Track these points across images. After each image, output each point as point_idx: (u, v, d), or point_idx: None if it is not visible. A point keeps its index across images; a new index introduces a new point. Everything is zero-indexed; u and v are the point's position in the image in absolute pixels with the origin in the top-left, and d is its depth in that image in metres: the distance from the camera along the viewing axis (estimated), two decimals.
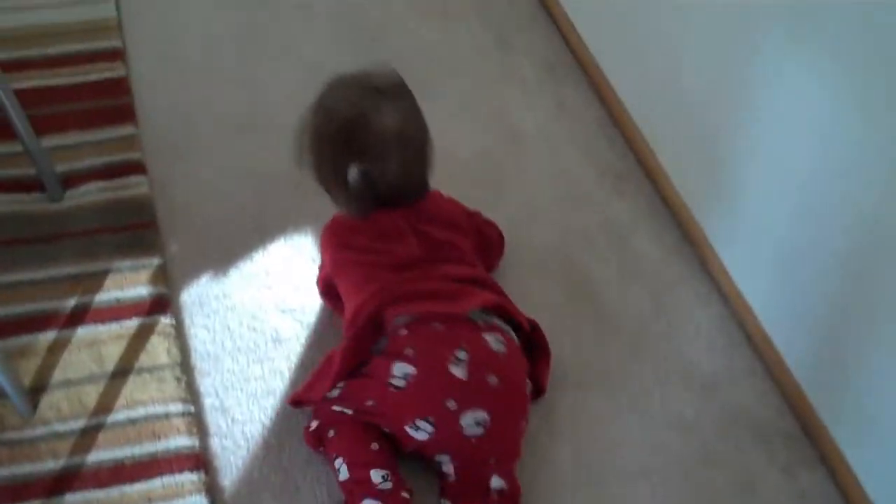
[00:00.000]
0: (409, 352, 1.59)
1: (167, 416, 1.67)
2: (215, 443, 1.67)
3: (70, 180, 2.02)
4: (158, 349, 1.76)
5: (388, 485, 1.54)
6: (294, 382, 1.75)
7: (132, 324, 1.80)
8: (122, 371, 1.73)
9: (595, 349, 1.85)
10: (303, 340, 1.82)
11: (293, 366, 1.78)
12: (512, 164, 2.16)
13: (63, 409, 1.67)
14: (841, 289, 1.61)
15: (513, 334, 1.68)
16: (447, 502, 1.59)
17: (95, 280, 1.86)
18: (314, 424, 1.63)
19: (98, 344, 1.76)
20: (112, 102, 2.18)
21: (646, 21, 2.08)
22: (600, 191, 2.13)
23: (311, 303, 1.88)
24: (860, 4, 1.44)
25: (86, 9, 2.38)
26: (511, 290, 1.80)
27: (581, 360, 1.83)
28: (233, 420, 1.69)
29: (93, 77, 2.23)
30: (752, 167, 1.79)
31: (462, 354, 1.57)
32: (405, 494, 1.55)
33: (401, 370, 1.57)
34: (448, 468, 1.61)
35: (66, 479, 1.58)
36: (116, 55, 2.28)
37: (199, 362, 1.77)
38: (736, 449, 1.72)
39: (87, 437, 1.64)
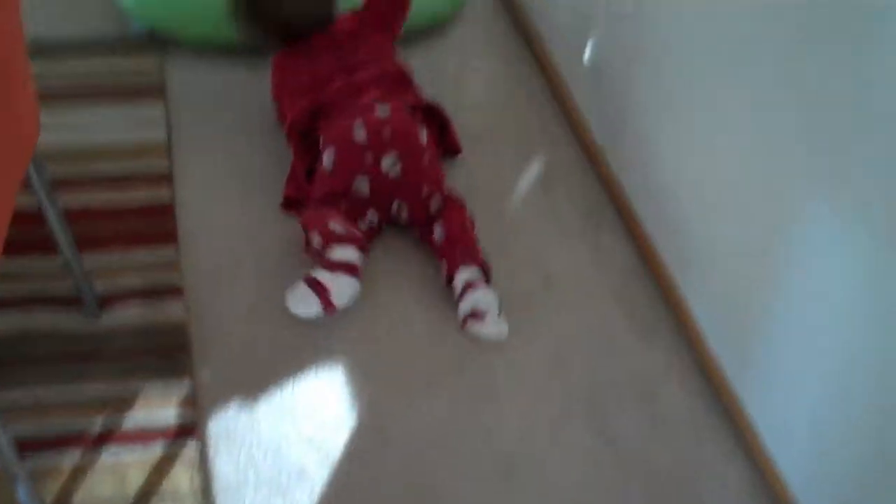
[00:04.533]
0: (326, 142, 2.21)
1: None
2: None
3: (108, 299, 2.04)
4: (181, 476, 1.76)
5: (345, 231, 2.09)
6: None
7: (157, 448, 1.80)
8: (144, 495, 1.73)
9: (617, 498, 1.83)
10: (327, 476, 1.81)
11: (315, 501, 1.77)
12: (543, 306, 2.17)
13: None
14: (874, 463, 1.59)
15: (404, 105, 2.28)
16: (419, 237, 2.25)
17: (125, 401, 1.87)
18: (304, 239, 2.14)
19: (122, 467, 1.77)
20: (155, 225, 2.22)
21: (686, 175, 2.10)
22: (631, 339, 2.13)
23: (338, 439, 1.88)
24: None
25: (137, 131, 2.43)
26: (536, 434, 1.82)
27: None
28: None
29: (139, 198, 2.27)
30: (787, 330, 1.79)
31: (359, 123, 2.19)
32: (359, 233, 2.13)
33: (327, 156, 2.20)
34: (405, 213, 2.23)
35: None
36: (163, 179, 2.32)
37: (221, 492, 1.77)
38: None
39: None
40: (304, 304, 2.04)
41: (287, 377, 1.97)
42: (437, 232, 2.19)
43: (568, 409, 1.98)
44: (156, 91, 2.54)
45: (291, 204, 2.30)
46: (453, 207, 2.23)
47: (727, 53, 1.89)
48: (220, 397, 1.92)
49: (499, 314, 2.09)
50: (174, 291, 2.08)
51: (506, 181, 2.45)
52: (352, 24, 2.44)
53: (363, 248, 2.11)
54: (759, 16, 1.77)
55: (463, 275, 2.11)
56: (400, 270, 2.21)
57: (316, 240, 2.09)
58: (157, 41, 2.65)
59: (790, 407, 1.81)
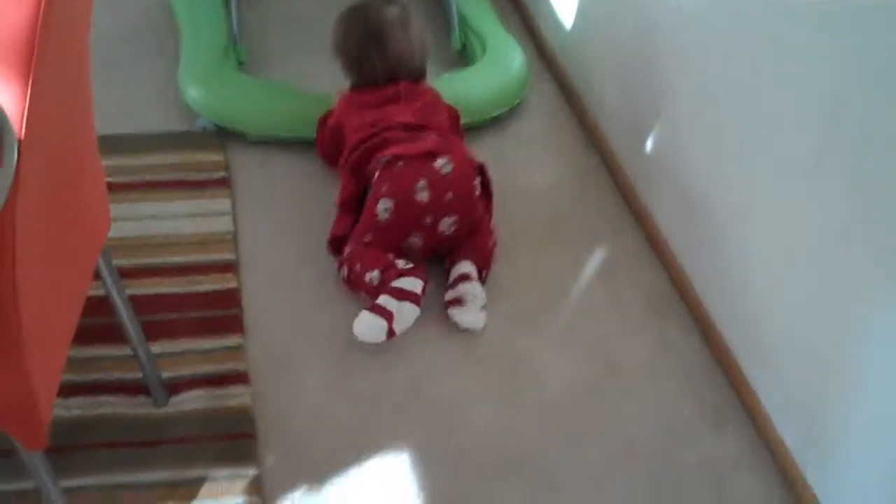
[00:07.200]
0: (385, 193, 2.26)
1: None
2: None
3: (175, 387, 2.05)
4: None
5: (411, 265, 2.23)
6: None
7: None
8: None
9: None
10: None
11: None
12: (611, 397, 2.15)
13: None
14: None
15: (464, 158, 2.34)
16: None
17: (191, 488, 1.87)
18: (344, 272, 2.29)
19: None
20: (221, 313, 2.23)
21: (751, 263, 2.09)
22: (700, 428, 2.10)
23: None
24: None
25: (204, 221, 2.46)
26: None
27: None
28: None
29: (205, 287, 2.29)
30: (856, 416, 1.76)
31: (422, 183, 2.25)
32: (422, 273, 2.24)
33: (383, 207, 2.26)
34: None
35: None
36: (229, 268, 2.34)
37: None
38: None
39: None
40: (371, 329, 2.15)
41: (353, 464, 1.96)
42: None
43: (635, 500, 1.95)
44: (222, 183, 2.57)
45: (340, 244, 2.36)
46: (487, 232, 2.39)
47: (802, 138, 1.89)
48: (286, 484, 1.91)
49: (480, 309, 2.25)
50: (240, 378, 2.08)
51: (569, 270, 2.44)
52: (425, 97, 2.50)
53: (426, 280, 2.23)
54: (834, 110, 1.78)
55: (461, 267, 2.29)
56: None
57: (372, 275, 2.23)
58: (222, 135, 2.69)
59: (861, 495, 1.77)
